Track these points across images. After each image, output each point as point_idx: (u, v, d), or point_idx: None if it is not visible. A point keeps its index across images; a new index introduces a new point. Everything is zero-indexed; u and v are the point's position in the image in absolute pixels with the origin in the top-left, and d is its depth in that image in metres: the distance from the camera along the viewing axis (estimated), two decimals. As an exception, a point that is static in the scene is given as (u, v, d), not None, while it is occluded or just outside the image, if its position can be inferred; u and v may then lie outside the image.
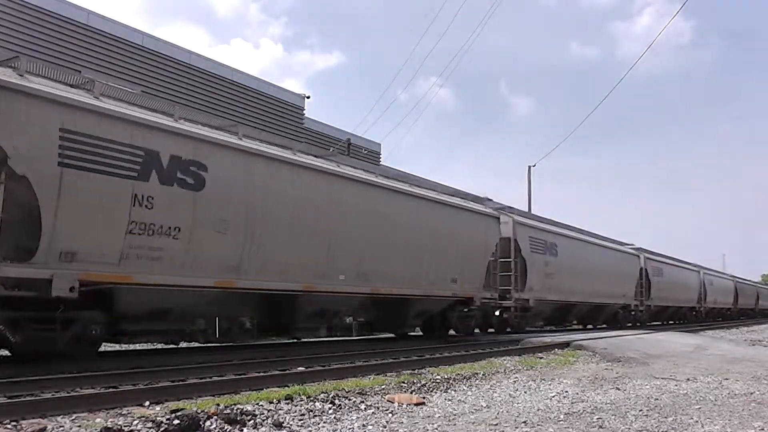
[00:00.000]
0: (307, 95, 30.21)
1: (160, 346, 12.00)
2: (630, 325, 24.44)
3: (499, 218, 16.56)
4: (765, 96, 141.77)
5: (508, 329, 17.69)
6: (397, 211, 12.80)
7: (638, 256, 27.47)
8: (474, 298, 15.20)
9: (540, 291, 18.63)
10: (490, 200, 17.78)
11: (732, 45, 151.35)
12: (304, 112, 29.69)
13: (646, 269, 27.52)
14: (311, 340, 13.34)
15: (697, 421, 5.43)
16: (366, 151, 30.59)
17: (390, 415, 5.48)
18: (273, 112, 27.42)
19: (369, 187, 12.24)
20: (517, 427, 5.10)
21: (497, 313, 17.30)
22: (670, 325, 30.89)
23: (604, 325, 23.35)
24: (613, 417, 5.55)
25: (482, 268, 15.57)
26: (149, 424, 4.62)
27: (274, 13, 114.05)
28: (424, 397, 6.37)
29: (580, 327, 23.70)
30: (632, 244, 28.98)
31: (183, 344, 11.56)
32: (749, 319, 44.49)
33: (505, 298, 17.00)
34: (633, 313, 26.33)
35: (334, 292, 11.25)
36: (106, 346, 12.48)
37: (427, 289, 13.60)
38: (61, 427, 4.71)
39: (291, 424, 4.97)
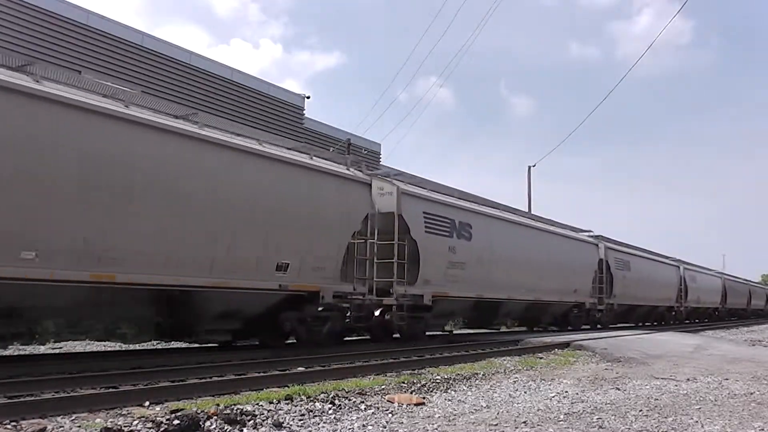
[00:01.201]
0: (307, 95, 30.26)
1: (160, 345, 12.00)
2: (588, 327, 21.86)
3: (370, 184, 12.61)
4: (765, 96, 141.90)
5: (395, 335, 13.72)
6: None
7: (596, 245, 23.52)
8: (320, 293, 11.03)
9: (441, 284, 14.04)
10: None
11: (732, 45, 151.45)
12: (304, 112, 29.72)
13: (606, 261, 23.70)
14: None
15: (697, 422, 5.43)
16: (366, 151, 30.59)
17: (390, 415, 5.48)
18: (273, 112, 27.44)
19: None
20: (517, 427, 5.10)
21: (376, 313, 13.14)
22: (639, 326, 26.67)
23: (554, 328, 20.57)
24: (613, 417, 5.55)
25: (338, 250, 11.50)
26: (149, 424, 4.62)
27: (274, 13, 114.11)
28: (424, 397, 6.37)
29: (524, 329, 20.26)
30: (590, 231, 24.54)
31: (183, 344, 11.57)
32: (740, 320, 41.89)
33: (386, 294, 12.83)
34: (589, 312, 22.36)
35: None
36: (107, 346, 12.51)
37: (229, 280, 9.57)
38: (61, 427, 4.71)
39: (291, 424, 4.98)
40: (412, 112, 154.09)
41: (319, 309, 11.20)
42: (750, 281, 53.57)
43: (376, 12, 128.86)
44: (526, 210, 26.25)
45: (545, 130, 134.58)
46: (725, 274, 44.43)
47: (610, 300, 23.76)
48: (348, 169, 12.24)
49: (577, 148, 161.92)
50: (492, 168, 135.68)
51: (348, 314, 11.99)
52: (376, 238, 12.50)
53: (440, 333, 15.75)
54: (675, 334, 17.84)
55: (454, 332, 17.50)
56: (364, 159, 20.73)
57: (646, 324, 28.66)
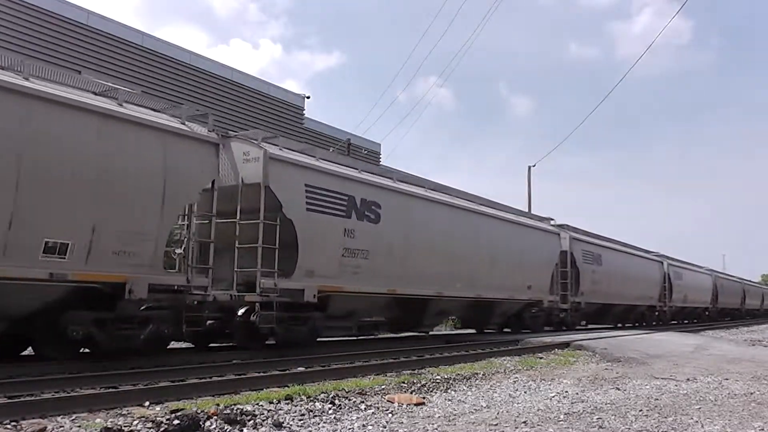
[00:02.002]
0: (307, 95, 30.27)
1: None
2: (550, 329, 19.18)
3: (218, 144, 10.56)
4: (765, 96, 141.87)
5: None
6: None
7: (558, 235, 20.24)
8: (127, 285, 8.56)
9: (333, 276, 11.55)
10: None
11: (731, 45, 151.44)
12: (304, 112, 29.72)
13: (571, 253, 20.45)
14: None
15: (697, 422, 5.43)
16: (366, 151, 30.59)
17: (390, 415, 5.48)
18: (273, 112, 27.45)
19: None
20: (517, 427, 5.10)
21: (240, 312, 10.87)
22: (616, 328, 23.46)
23: (507, 329, 18.28)
24: (613, 417, 5.55)
25: (158, 228, 9.04)
26: (149, 424, 4.62)
27: (274, 14, 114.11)
28: (424, 397, 6.37)
29: (471, 331, 18.88)
30: (551, 219, 21.20)
31: (183, 344, 11.56)
32: (734, 321, 38.77)
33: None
34: (551, 312, 19.35)
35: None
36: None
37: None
38: (61, 427, 4.71)
39: (291, 424, 4.97)
40: (412, 113, 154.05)
41: (141, 308, 8.68)
42: (744, 279, 50.19)
43: (375, 12, 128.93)
44: (526, 210, 26.24)
45: (545, 130, 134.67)
46: (716, 272, 41.05)
47: (576, 298, 20.47)
48: (183, 123, 9.41)
49: (576, 148, 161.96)
50: (492, 168, 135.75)
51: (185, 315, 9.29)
52: (238, 217, 10.15)
53: (345, 338, 13.30)
54: (675, 334, 17.84)
55: (378, 336, 14.61)
56: (368, 158, 20.66)
57: (626, 325, 25.50)
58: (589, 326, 23.10)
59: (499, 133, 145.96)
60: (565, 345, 13.01)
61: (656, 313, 28.98)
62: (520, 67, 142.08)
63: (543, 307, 18.79)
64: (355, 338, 13.62)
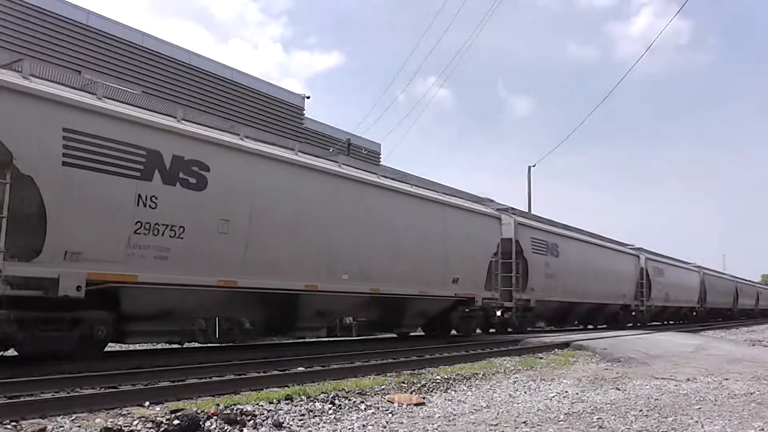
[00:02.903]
0: (307, 95, 30.21)
1: (160, 346, 11.99)
2: (479, 332, 17.26)
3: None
4: (764, 96, 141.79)
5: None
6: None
7: (498, 219, 16.49)
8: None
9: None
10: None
11: (730, 45, 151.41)
12: (304, 112, 29.69)
13: (517, 242, 17.61)
14: (311, 340, 13.37)
15: (697, 422, 5.43)
16: (366, 151, 30.57)
17: (390, 415, 5.48)
18: (273, 112, 27.42)
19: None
20: (517, 428, 5.10)
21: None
22: (575, 329, 21.95)
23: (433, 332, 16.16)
24: (613, 417, 5.55)
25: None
26: (149, 424, 4.63)
27: (273, 14, 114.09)
28: (424, 397, 6.37)
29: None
30: (490, 200, 18.29)
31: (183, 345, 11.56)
32: (725, 321, 36.70)
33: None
34: (485, 311, 16.15)
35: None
36: (110, 347, 12.49)
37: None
38: (61, 427, 4.71)
39: (291, 424, 4.98)
40: (412, 113, 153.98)
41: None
42: (737, 277, 46.06)
43: (375, 12, 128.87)
44: (527, 210, 26.24)
45: (544, 130, 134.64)
46: (704, 268, 37.26)
47: (523, 295, 17.83)
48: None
49: (576, 148, 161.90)
50: (492, 168, 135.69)
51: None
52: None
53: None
54: (675, 334, 17.84)
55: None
56: (368, 158, 20.66)
57: (598, 327, 23.14)
58: (549, 328, 21.75)
59: (499, 133, 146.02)
60: (565, 345, 13.03)
61: (632, 314, 26.02)
62: (519, 67, 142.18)
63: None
64: (355, 339, 13.67)
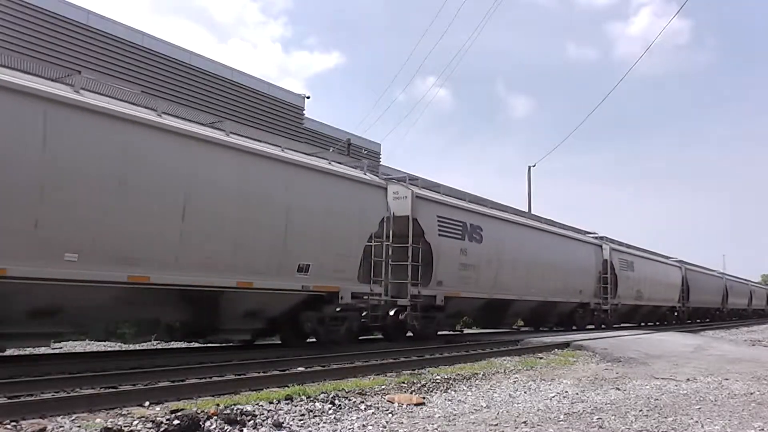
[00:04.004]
0: (307, 95, 30.20)
1: (160, 346, 11.98)
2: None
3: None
4: (764, 96, 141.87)
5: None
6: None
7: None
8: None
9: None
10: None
11: (730, 45, 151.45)
12: (304, 112, 29.69)
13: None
14: (311, 340, 13.34)
15: (697, 422, 5.43)
16: (366, 151, 30.58)
17: (390, 415, 5.48)
18: (273, 112, 27.41)
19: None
20: (517, 428, 5.10)
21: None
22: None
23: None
24: (613, 417, 5.55)
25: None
26: (149, 424, 4.62)
27: (273, 14, 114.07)
28: (424, 397, 6.37)
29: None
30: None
31: (183, 344, 11.56)
32: (713, 322, 34.32)
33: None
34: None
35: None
36: (107, 346, 12.51)
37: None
38: (61, 427, 4.71)
39: (291, 425, 4.98)
40: (412, 113, 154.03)
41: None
42: (727, 274, 43.00)
43: (374, 12, 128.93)
44: (527, 210, 26.22)
45: (544, 130, 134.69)
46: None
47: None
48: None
49: (576, 148, 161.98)
50: (491, 168, 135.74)
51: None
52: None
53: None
54: (675, 334, 17.84)
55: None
56: (367, 158, 20.63)
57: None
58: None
59: (499, 133, 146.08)
60: (565, 345, 13.02)
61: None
62: (518, 68, 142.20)
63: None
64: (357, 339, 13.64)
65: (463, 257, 14.91)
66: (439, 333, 15.00)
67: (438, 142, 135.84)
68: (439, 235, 14.12)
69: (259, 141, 10.62)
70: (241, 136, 10.14)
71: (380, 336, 14.17)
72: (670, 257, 32.02)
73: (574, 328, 20.55)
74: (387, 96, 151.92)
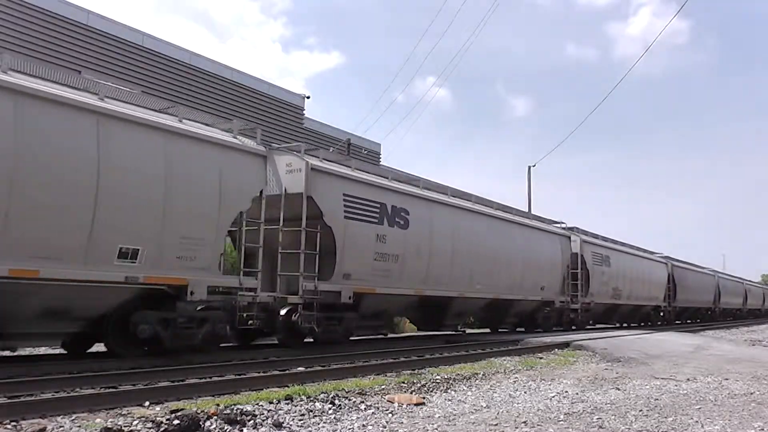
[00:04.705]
0: (306, 95, 30.24)
1: (276, 341, 11.79)
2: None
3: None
4: (764, 96, 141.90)
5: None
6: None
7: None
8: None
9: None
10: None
11: (730, 45, 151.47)
12: (304, 112, 29.72)
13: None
14: (311, 340, 13.30)
15: (697, 421, 5.43)
16: (366, 151, 30.59)
17: (390, 415, 5.48)
18: (273, 112, 27.44)
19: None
20: (517, 427, 5.10)
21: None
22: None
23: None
24: (613, 417, 5.55)
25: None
26: (149, 424, 4.63)
27: (273, 14, 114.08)
28: (424, 397, 6.37)
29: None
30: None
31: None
32: (703, 323, 32.24)
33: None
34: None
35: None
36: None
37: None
38: (61, 427, 4.71)
39: (291, 425, 4.98)
40: (412, 113, 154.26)
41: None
42: (719, 272, 40.59)
43: (374, 12, 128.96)
44: (527, 210, 26.20)
45: (544, 130, 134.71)
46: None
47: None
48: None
49: (576, 148, 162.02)
50: (492, 167, 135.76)
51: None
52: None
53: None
54: (675, 334, 17.85)
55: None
56: (367, 157, 20.58)
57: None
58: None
59: (498, 133, 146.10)
60: (565, 345, 13.02)
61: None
62: (518, 68, 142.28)
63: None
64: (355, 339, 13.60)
65: (380, 245, 12.22)
66: (356, 338, 12.98)
67: (438, 143, 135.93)
68: (346, 217, 11.53)
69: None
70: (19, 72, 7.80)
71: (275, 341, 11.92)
72: (654, 252, 29.51)
73: (539, 330, 18.10)
74: (387, 96, 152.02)
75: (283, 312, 10.76)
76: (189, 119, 9.48)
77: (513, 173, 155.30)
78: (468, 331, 18.41)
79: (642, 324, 25.62)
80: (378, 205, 12.31)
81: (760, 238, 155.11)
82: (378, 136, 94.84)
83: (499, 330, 18.23)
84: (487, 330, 18.62)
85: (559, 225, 21.03)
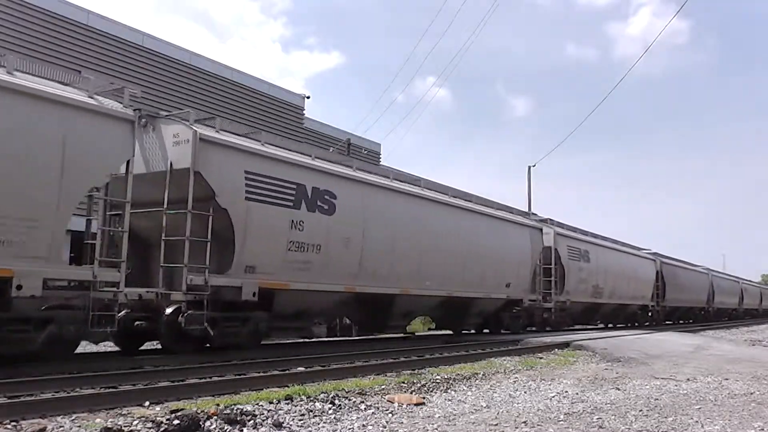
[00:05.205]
0: (306, 95, 30.21)
1: (160, 346, 11.89)
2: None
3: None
4: (764, 96, 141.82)
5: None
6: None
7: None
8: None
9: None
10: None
11: (730, 45, 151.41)
12: (304, 112, 29.70)
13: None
14: (312, 340, 13.31)
15: (697, 421, 5.42)
16: (366, 151, 30.58)
17: (390, 415, 5.48)
18: (273, 112, 27.43)
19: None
20: (517, 427, 5.10)
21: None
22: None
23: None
24: (613, 417, 5.55)
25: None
26: (149, 424, 4.62)
27: (273, 14, 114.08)
28: (424, 397, 6.37)
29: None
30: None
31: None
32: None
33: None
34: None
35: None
36: (107, 346, 12.50)
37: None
38: (61, 427, 4.71)
39: (291, 425, 4.97)
40: (412, 113, 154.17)
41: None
42: (714, 270, 39.16)
43: (374, 12, 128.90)
44: (527, 210, 26.18)
45: (544, 130, 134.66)
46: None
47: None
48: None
49: (576, 148, 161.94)
50: (492, 167, 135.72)
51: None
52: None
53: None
54: (675, 334, 17.86)
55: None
56: (367, 157, 20.54)
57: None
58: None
59: (498, 133, 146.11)
60: (565, 345, 13.04)
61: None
62: (518, 68, 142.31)
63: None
64: (355, 338, 13.62)
65: (296, 233, 10.48)
66: (269, 342, 11.54)
67: (438, 143, 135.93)
68: (249, 198, 9.88)
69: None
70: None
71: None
72: (642, 249, 28.08)
73: (505, 331, 16.46)
74: (387, 96, 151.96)
75: (168, 311, 9.20)
76: (24, 72, 7.84)
77: (513, 173, 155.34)
78: (417, 333, 17.11)
79: (628, 325, 24.19)
80: (293, 186, 10.58)
81: (760, 238, 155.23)
82: (378, 136, 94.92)
83: (462, 332, 16.53)
84: (450, 332, 16.88)
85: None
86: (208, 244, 9.25)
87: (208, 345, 9.91)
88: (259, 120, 25.43)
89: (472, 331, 16.97)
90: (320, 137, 28.78)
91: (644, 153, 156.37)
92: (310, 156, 11.55)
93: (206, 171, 9.36)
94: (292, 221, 10.48)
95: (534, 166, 31.52)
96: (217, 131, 10.00)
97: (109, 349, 12.08)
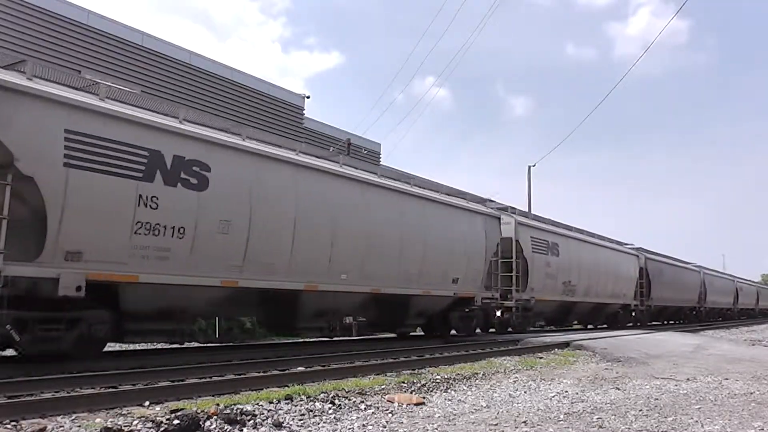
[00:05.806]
0: (306, 95, 30.21)
1: (160, 345, 11.99)
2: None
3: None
4: (763, 96, 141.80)
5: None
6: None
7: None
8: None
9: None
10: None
11: (730, 45, 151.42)
12: (304, 112, 29.70)
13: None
14: (311, 340, 13.29)
15: (697, 421, 5.42)
16: (366, 151, 30.58)
17: (390, 415, 5.48)
18: (273, 112, 27.42)
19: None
20: (517, 427, 5.10)
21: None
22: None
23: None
24: (613, 417, 5.55)
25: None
26: (149, 424, 4.62)
27: (273, 14, 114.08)
28: (424, 397, 6.37)
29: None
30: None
31: (184, 344, 11.55)
32: (687, 324, 30.00)
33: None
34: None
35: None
36: (107, 346, 12.51)
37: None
38: (61, 427, 4.71)
39: (291, 424, 4.97)
40: (411, 113, 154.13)
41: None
42: (705, 268, 36.74)
43: (374, 12, 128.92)
44: (527, 209, 26.17)
45: (543, 130, 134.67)
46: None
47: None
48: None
49: (576, 148, 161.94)
50: (491, 168, 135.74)
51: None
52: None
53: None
54: (675, 334, 17.85)
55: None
56: (367, 158, 20.52)
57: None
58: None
59: (498, 133, 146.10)
60: (565, 345, 13.07)
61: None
62: (518, 68, 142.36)
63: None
64: (355, 339, 13.65)
65: (146, 212, 8.30)
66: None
67: (438, 143, 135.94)
68: (68, 165, 7.62)
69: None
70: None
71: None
72: (624, 243, 25.76)
73: (455, 333, 15.25)
74: (387, 96, 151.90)
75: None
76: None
77: (513, 173, 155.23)
78: (337, 338, 14.23)
79: (607, 326, 22.31)
80: (145, 153, 8.34)
81: (760, 238, 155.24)
82: (378, 136, 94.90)
83: (401, 334, 14.78)
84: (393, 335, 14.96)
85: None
86: (4, 221, 6.99)
87: (19, 354, 7.99)
88: (260, 120, 25.44)
89: (421, 333, 15.53)
90: (320, 137, 28.78)
91: (644, 153, 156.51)
92: (179, 119, 9.13)
93: (2, 128, 7.11)
94: (140, 196, 8.23)
95: (534, 165, 31.52)
96: (29, 78, 7.60)
97: (108, 349, 12.09)
